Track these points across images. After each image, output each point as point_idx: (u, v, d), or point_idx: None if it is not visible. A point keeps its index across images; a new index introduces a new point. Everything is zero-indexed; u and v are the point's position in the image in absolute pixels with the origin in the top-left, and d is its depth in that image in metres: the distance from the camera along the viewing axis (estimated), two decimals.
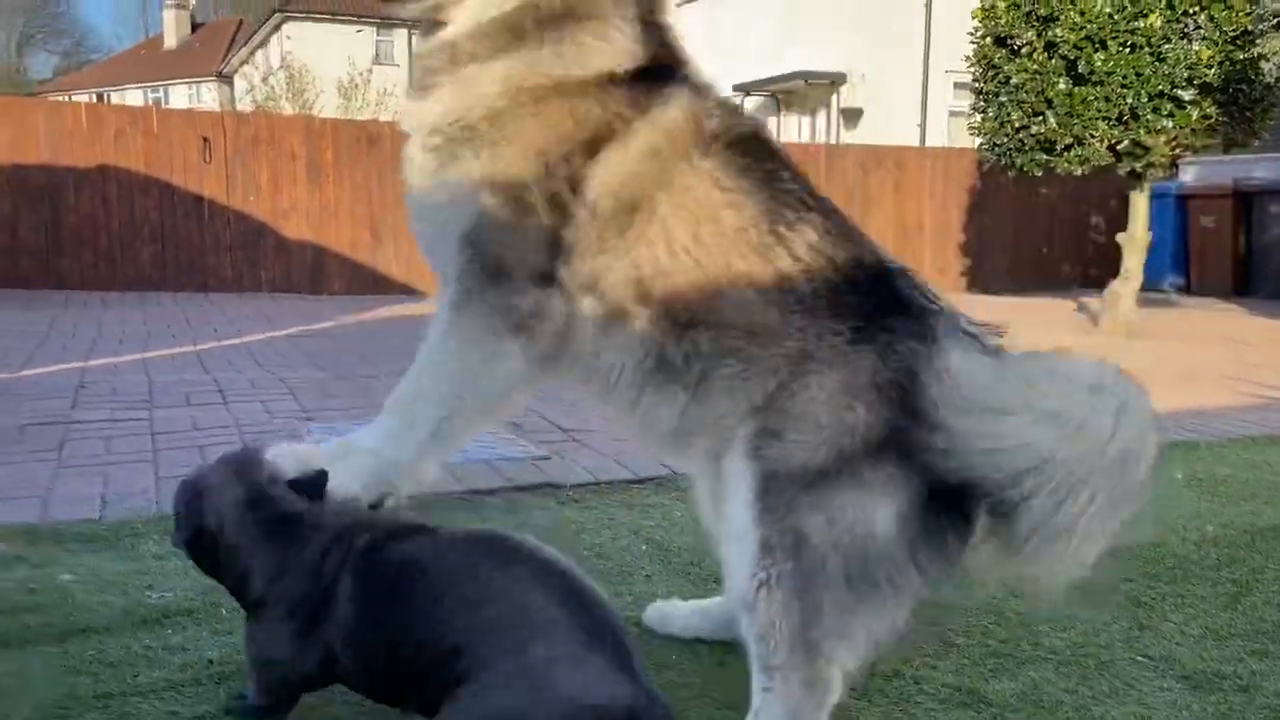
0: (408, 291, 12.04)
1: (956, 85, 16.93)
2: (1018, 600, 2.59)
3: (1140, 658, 2.24)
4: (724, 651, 2.13)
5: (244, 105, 29.55)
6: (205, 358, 6.65)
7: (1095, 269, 14.65)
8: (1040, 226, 14.88)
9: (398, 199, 12.09)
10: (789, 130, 20.73)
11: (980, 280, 14.48)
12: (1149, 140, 8.26)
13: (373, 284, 11.99)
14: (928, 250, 14.47)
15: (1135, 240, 8.92)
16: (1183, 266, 13.40)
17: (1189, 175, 13.67)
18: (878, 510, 1.57)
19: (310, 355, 6.96)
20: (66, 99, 31.35)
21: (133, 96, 39.62)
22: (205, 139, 11.44)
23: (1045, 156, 8.83)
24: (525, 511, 3.27)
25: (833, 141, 18.88)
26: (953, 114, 17.51)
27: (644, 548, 2.94)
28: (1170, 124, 8.19)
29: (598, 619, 1.45)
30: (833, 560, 1.56)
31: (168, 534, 1.93)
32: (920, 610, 2.49)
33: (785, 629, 1.57)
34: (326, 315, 9.52)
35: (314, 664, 1.63)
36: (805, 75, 19.14)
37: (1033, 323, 9.97)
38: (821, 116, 20.32)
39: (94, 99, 35.80)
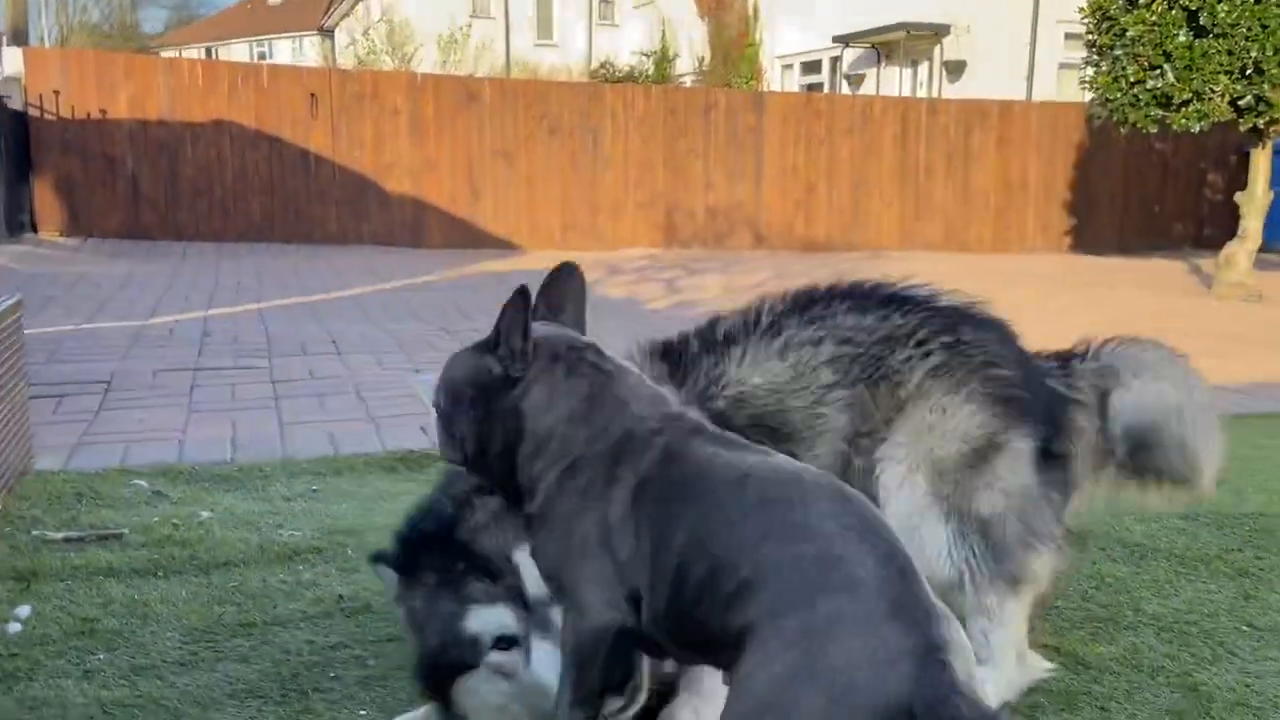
0: (504, 246, 12.24)
1: (1068, 36, 16.27)
2: (1119, 565, 2.59)
3: (1244, 626, 2.23)
4: None
5: (344, 59, 30.05)
6: (317, 309, 6.92)
7: (1209, 229, 14.04)
8: (1151, 184, 14.32)
9: (494, 154, 12.25)
10: (889, 83, 20.25)
11: (1087, 240, 14.02)
12: (1273, 95, 7.88)
13: (470, 238, 12.21)
14: (1031, 208, 14.07)
15: (1255, 199, 8.55)
16: None
17: None
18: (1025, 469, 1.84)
19: (413, 308, 7.18)
20: (178, 54, 32.35)
21: (239, 51, 40.68)
22: (313, 95, 11.74)
23: (1161, 112, 8.50)
24: None
25: (934, 95, 18.39)
26: (1063, 66, 16.87)
27: None
28: None
29: (910, 595, 1.19)
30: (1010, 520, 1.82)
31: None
32: None
33: (991, 590, 1.81)
34: (427, 269, 9.76)
35: (624, 594, 1.35)
36: (907, 26, 18.62)
37: (1142, 285, 9.67)
38: (924, 69, 19.77)
39: (203, 54, 36.87)
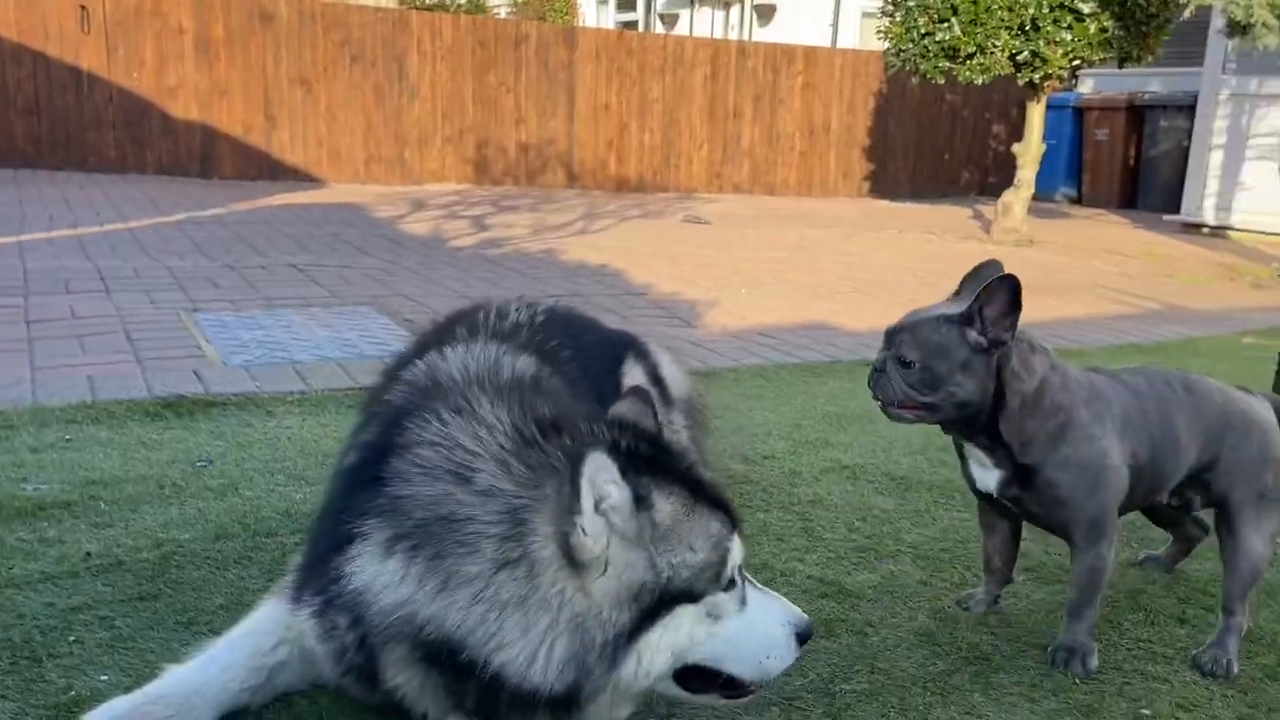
0: (303, 178, 11.65)
1: None
2: (885, 498, 2.73)
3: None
4: None
5: None
6: (87, 243, 6.38)
7: (994, 177, 14.96)
8: (942, 134, 15.09)
9: (292, 81, 11.57)
10: (702, 24, 20.39)
11: (883, 185, 14.68)
12: (1047, 52, 8.40)
13: (266, 169, 11.55)
14: (833, 153, 14.57)
15: (1030, 150, 9.13)
16: (1076, 177, 13.79)
17: (1086, 87, 13.97)
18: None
19: (199, 243, 6.73)
20: None
21: None
22: (83, 7, 10.70)
23: (949, 64, 8.92)
24: None
25: (745, 38, 18.64)
26: (866, 15, 17.44)
27: None
28: (1069, 36, 8.33)
29: None
30: None
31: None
32: (791, 506, 2.61)
33: None
34: (217, 201, 9.17)
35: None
36: None
37: (930, 230, 10.21)
38: (735, 11, 20.00)
39: None
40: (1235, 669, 1.89)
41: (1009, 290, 1.74)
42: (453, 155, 12.49)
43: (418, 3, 22.90)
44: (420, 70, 12.19)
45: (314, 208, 9.28)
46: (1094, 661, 1.87)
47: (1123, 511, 1.95)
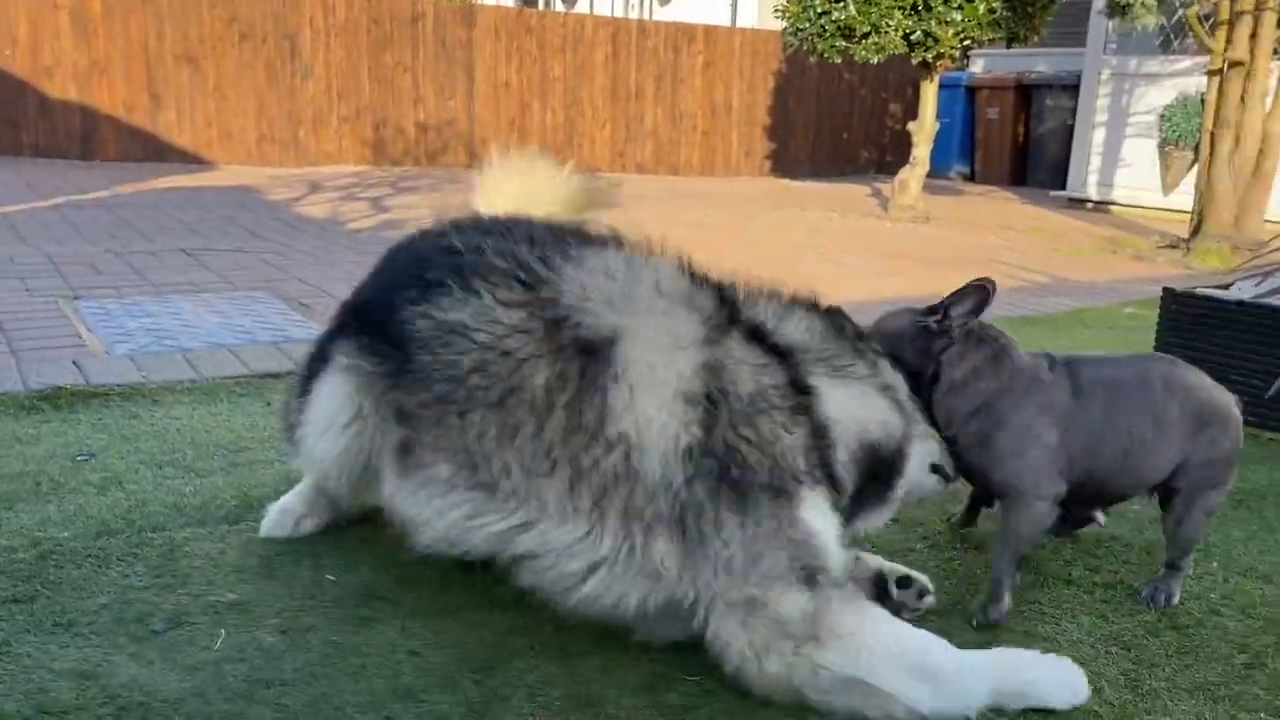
0: (192, 160, 11.23)
1: None
2: None
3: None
4: None
5: None
6: None
7: (891, 155, 15.27)
8: (841, 112, 15.32)
9: (177, 59, 11.10)
10: (602, 2, 20.27)
11: (785, 164, 14.84)
12: (939, 31, 8.59)
13: (153, 151, 11.09)
14: (735, 132, 14.66)
15: (924, 129, 9.33)
16: (969, 155, 14.17)
17: (978, 67, 14.34)
18: None
19: (80, 228, 6.43)
20: None
21: None
22: None
23: (845, 43, 9.04)
24: None
25: (645, 17, 18.61)
26: None
27: None
28: (959, 16, 8.52)
29: None
30: None
31: None
32: None
33: None
34: (99, 184, 8.78)
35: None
36: None
37: (830, 208, 10.37)
38: None
39: None
40: (1175, 601, 2.08)
41: (977, 293, 2.01)
42: (350, 136, 12.18)
43: None
44: (314, 48, 11.84)
45: (205, 190, 8.96)
46: (995, 612, 1.97)
47: (1095, 501, 2.19)
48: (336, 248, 6.27)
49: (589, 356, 1.76)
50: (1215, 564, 2.30)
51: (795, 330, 1.90)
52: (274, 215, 7.68)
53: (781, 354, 1.83)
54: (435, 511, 1.85)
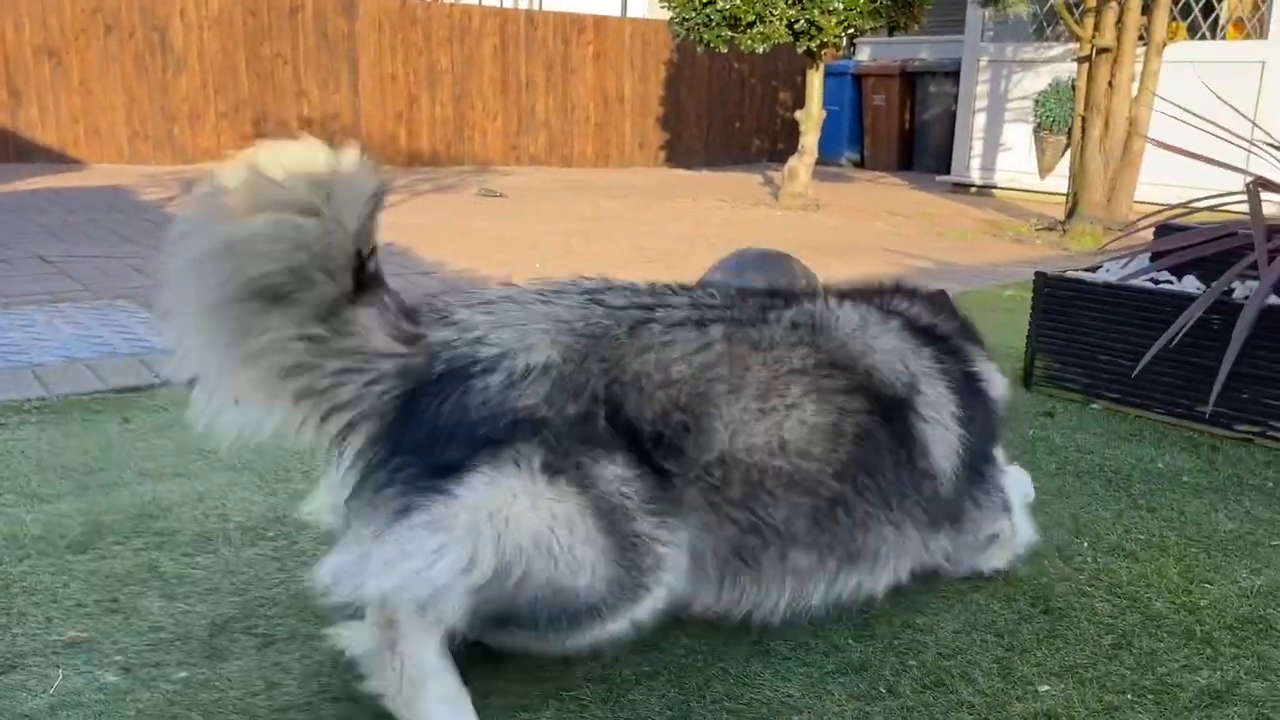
0: (58, 159, 10.67)
1: None
2: None
3: None
4: None
5: None
6: None
7: (782, 144, 15.44)
8: (732, 102, 15.42)
9: (38, 52, 10.54)
10: None
11: (678, 154, 14.87)
12: (822, 20, 8.67)
13: (15, 150, 10.50)
14: (629, 123, 14.63)
15: (811, 117, 9.43)
16: (858, 142, 14.41)
17: (864, 54, 14.59)
18: None
19: None
20: None
21: None
22: None
23: (730, 33, 9.06)
24: (177, 409, 3.04)
25: (533, 7, 18.42)
26: None
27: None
28: (841, 5, 8.62)
29: None
30: None
31: None
32: None
33: None
34: None
35: None
36: None
37: (722, 197, 10.42)
38: None
39: None
40: None
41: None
42: (229, 131, 11.74)
43: None
44: (186, 41, 11.36)
45: (70, 191, 8.51)
46: None
47: None
48: None
49: (895, 403, 1.88)
50: (1085, 543, 2.35)
51: (936, 320, 2.14)
52: (144, 216, 7.34)
53: (948, 344, 2.09)
54: (788, 595, 1.81)
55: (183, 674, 1.72)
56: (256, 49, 11.78)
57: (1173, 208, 3.63)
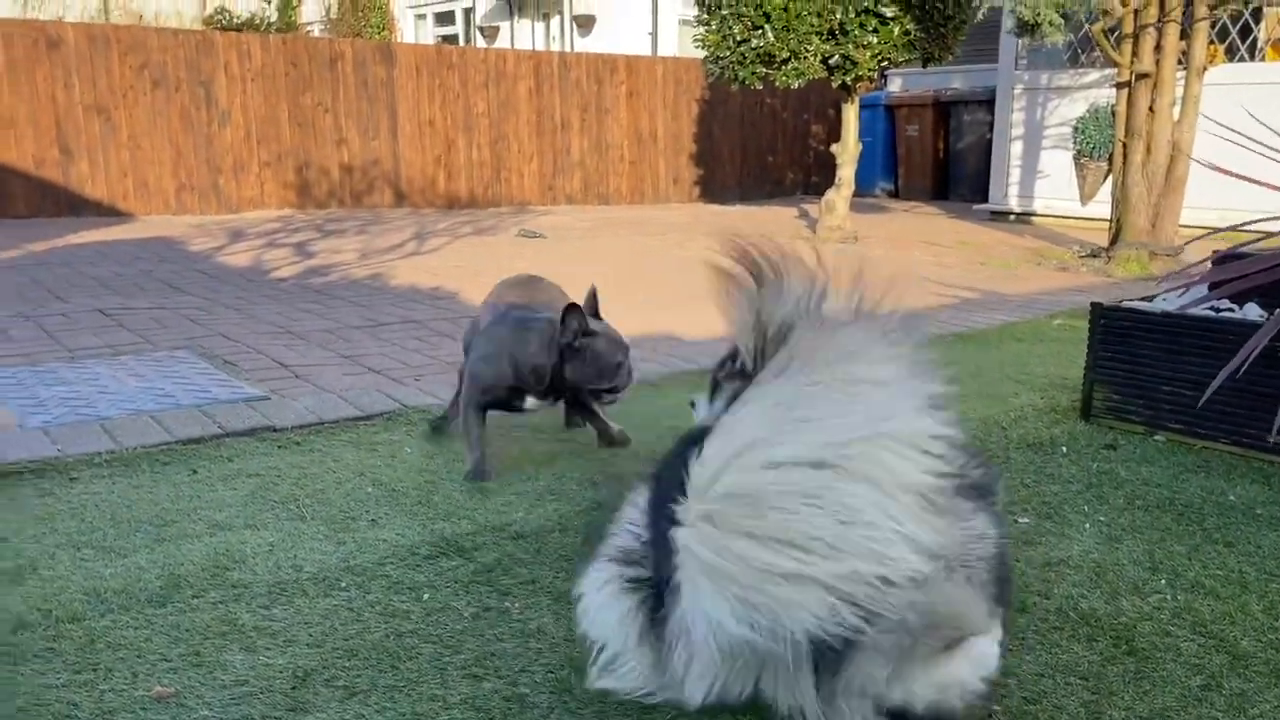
0: (109, 212, 10.93)
1: None
2: None
3: None
4: None
5: None
6: None
7: (816, 176, 15.48)
8: (765, 136, 15.50)
9: (88, 109, 10.86)
10: (523, 36, 20.29)
11: (713, 189, 14.95)
12: (856, 54, 8.72)
13: (66, 205, 10.78)
14: (662, 160, 14.74)
15: (847, 150, 9.46)
16: (892, 172, 14.43)
17: (895, 86, 14.63)
18: None
19: None
20: None
21: None
22: None
23: (765, 69, 9.13)
24: (242, 459, 3.09)
25: (566, 49, 18.67)
26: (683, 22, 17.76)
27: (370, 490, 2.85)
28: (875, 39, 8.67)
29: None
30: None
31: None
32: None
33: None
34: (8, 242, 8.49)
35: None
36: None
37: (760, 230, 10.43)
38: (555, 22, 20.01)
39: None
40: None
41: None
42: (271, 180, 11.98)
43: (220, 22, 21.97)
44: (230, 93, 11.64)
45: (121, 244, 8.71)
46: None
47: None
48: (260, 298, 6.12)
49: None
50: (1163, 580, 2.31)
51: None
52: (195, 266, 7.49)
53: None
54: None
55: None
56: (298, 99, 12.03)
57: (1221, 231, 3.60)
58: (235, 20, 22.26)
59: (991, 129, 12.15)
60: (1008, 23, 9.48)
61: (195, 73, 11.40)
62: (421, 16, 22.59)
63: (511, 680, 1.86)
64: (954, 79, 13.59)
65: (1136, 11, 7.51)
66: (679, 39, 17.96)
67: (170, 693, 1.83)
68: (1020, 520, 2.66)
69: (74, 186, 10.87)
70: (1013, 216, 11.39)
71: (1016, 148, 11.45)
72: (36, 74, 10.57)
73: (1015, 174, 11.48)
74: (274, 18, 23.05)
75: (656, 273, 7.42)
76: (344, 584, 2.27)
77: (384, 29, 21.78)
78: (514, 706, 1.78)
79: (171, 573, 2.29)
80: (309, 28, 23.20)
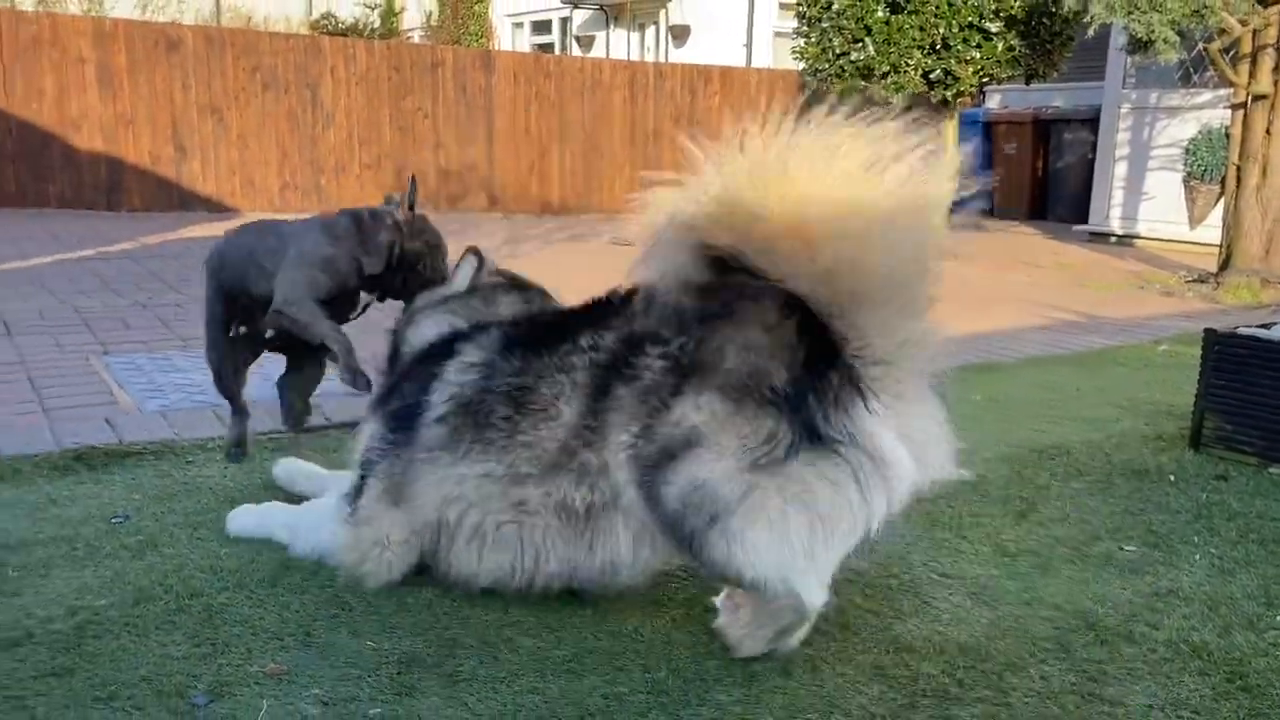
0: (218, 208, 11.35)
1: (781, 5, 17.07)
2: None
3: (934, 575, 2.39)
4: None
5: (24, 2, 26.67)
6: None
7: None
8: None
9: (202, 109, 11.25)
10: (618, 46, 20.45)
11: None
12: (959, 70, 8.60)
13: (178, 200, 11.22)
14: None
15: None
16: (987, 190, 14.14)
17: (994, 102, 14.35)
18: None
19: (106, 280, 6.48)
20: None
21: None
22: None
23: (864, 83, 9.07)
24: (347, 449, 3.17)
25: (661, 59, 18.77)
26: (778, 35, 17.70)
27: None
28: (978, 54, 8.54)
29: None
30: None
31: None
32: None
33: None
34: (125, 234, 8.87)
35: None
36: None
37: None
38: (650, 32, 20.13)
39: None
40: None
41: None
42: (371, 182, 12.29)
43: (325, 27, 22.62)
44: (335, 97, 11.99)
45: None
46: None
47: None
48: None
49: None
50: (1278, 616, 2.23)
51: None
52: None
53: None
54: None
55: (376, 710, 1.78)
56: (399, 103, 12.33)
57: None
58: (340, 25, 22.91)
59: (1094, 148, 11.84)
60: (1119, 40, 9.25)
61: (303, 75, 11.77)
62: (519, 25, 22.95)
63: (609, 678, 1.89)
64: (1056, 97, 13.28)
65: (1256, 31, 7.26)
66: (774, 51, 17.91)
67: (282, 670, 1.90)
68: (1125, 548, 2.59)
69: (185, 183, 11.30)
70: (1114, 238, 11.07)
71: (1121, 168, 11.14)
72: (156, 74, 11.04)
73: (1118, 195, 11.16)
74: (377, 24, 23.66)
75: None
76: None
77: (482, 36, 22.18)
78: (613, 704, 1.80)
79: (282, 555, 2.37)
80: (409, 34, 23.74)
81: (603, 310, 2.16)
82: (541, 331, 2.19)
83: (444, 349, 2.25)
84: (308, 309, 2.65)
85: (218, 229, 9.69)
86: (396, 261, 2.70)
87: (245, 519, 2.47)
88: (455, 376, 2.16)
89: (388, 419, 2.24)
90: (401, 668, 1.92)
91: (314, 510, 2.42)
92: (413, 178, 2.88)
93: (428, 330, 2.38)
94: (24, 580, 2.20)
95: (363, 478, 2.23)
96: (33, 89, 10.58)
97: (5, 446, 3.05)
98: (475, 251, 2.52)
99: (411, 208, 2.73)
